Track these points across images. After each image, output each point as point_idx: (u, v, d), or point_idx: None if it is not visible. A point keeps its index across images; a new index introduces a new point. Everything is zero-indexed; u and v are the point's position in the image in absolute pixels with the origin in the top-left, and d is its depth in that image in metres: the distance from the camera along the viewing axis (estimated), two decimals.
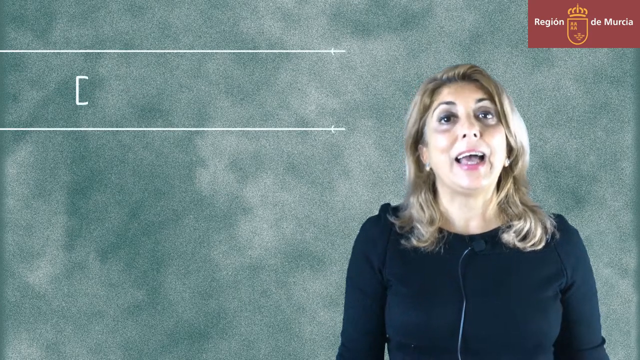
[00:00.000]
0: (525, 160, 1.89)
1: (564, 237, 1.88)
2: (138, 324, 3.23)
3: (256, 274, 3.23)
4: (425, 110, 1.87)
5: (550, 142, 3.21)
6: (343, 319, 1.98)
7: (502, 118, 1.85)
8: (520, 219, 1.86)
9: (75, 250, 3.24)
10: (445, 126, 1.84)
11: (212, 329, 3.23)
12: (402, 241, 1.87)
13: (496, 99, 1.85)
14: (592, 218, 3.20)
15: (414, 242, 1.86)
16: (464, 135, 1.81)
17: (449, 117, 1.84)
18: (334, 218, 3.22)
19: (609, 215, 3.21)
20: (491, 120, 1.84)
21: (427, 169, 1.88)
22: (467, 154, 1.81)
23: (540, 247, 1.85)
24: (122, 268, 3.23)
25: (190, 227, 3.23)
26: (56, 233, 3.23)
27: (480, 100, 1.84)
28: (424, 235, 1.86)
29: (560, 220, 1.90)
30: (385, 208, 1.93)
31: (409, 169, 1.91)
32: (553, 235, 1.87)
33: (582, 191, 3.21)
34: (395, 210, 1.92)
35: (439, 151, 1.83)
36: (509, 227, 1.86)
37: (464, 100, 1.84)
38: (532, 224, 1.86)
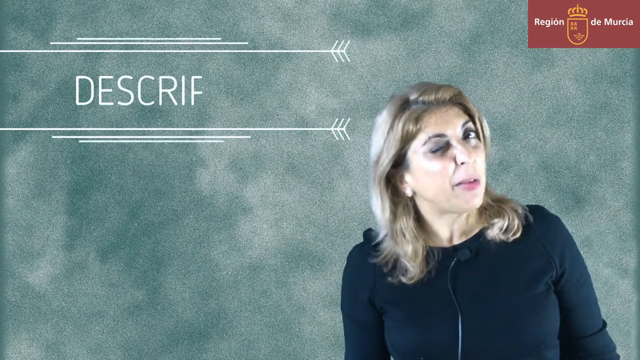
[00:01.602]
0: (487, 160, 1.89)
1: (545, 227, 1.86)
2: (138, 324, 3.23)
3: (256, 274, 3.24)
4: (410, 138, 1.81)
5: (550, 142, 3.21)
6: (345, 347, 1.97)
7: (482, 139, 1.83)
8: (498, 216, 1.85)
9: (75, 250, 3.24)
10: (438, 154, 1.80)
11: (212, 329, 3.23)
12: (389, 278, 1.84)
13: (476, 119, 1.83)
14: (592, 218, 3.20)
15: (403, 279, 1.84)
16: (462, 162, 1.79)
17: (440, 145, 1.80)
18: (334, 218, 3.22)
19: (609, 215, 3.20)
20: (474, 140, 1.82)
21: (410, 194, 1.85)
22: (468, 180, 1.80)
23: (519, 234, 1.84)
24: (122, 268, 3.23)
25: (190, 227, 3.23)
26: (56, 233, 3.23)
27: (464, 124, 1.81)
28: (411, 272, 1.83)
29: (539, 210, 1.88)
30: (368, 236, 1.91)
31: (382, 201, 1.86)
32: (526, 217, 1.85)
33: (582, 191, 3.21)
34: (375, 246, 1.88)
35: (437, 180, 1.80)
36: (492, 224, 1.85)
37: (453, 128, 1.80)
38: (510, 217, 1.84)
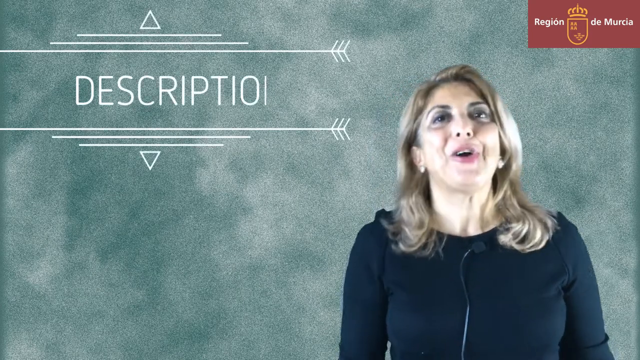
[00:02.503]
0: (519, 162, 1.89)
1: (564, 234, 1.87)
2: (138, 324, 3.23)
3: (256, 274, 3.24)
4: (419, 112, 1.88)
5: (550, 142, 3.21)
6: (342, 329, 1.97)
7: (495, 118, 1.85)
8: (518, 221, 1.85)
9: (75, 250, 3.24)
10: (438, 124, 1.84)
11: (212, 329, 3.23)
12: (393, 246, 1.86)
13: (489, 100, 1.85)
14: (592, 218, 3.20)
15: (402, 247, 1.85)
16: (458, 134, 1.81)
17: (443, 117, 1.84)
18: (334, 218, 3.22)
19: (609, 215, 3.21)
20: (484, 119, 1.84)
21: (422, 170, 1.88)
22: (461, 152, 1.81)
23: (540, 247, 1.85)
24: (122, 268, 3.23)
25: (190, 227, 3.23)
26: (56, 233, 3.23)
27: (473, 104, 1.84)
28: (411, 240, 1.85)
29: (558, 216, 1.89)
30: (380, 214, 1.93)
31: (400, 171, 1.91)
32: (555, 232, 1.86)
33: (582, 191, 3.21)
34: (390, 215, 1.92)
35: (434, 149, 1.83)
36: (507, 229, 1.85)
37: (458, 103, 1.84)
38: (531, 225, 1.85)
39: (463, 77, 1.88)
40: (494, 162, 1.84)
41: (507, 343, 1.79)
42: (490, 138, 1.83)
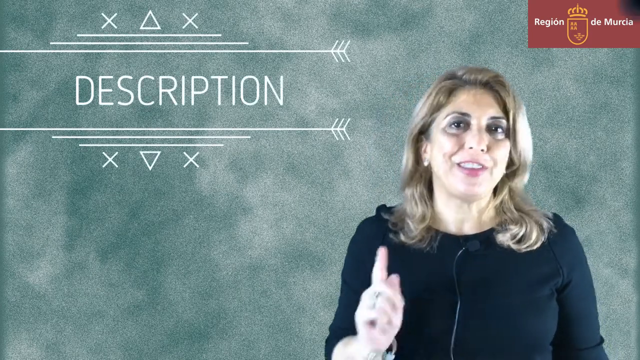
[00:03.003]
0: (525, 175, 1.89)
1: (560, 236, 1.88)
2: (138, 324, 3.23)
3: (256, 274, 3.24)
4: (437, 108, 1.86)
5: (550, 142, 3.21)
6: (336, 312, 1.99)
7: (511, 136, 1.85)
8: (516, 223, 1.86)
9: (75, 250, 3.24)
10: (454, 130, 1.83)
11: (212, 329, 3.23)
12: (391, 235, 1.87)
13: (510, 117, 1.85)
14: (592, 218, 3.20)
15: (402, 238, 1.87)
16: (471, 147, 1.81)
17: (460, 124, 1.83)
18: (334, 218, 3.22)
19: (609, 215, 3.20)
20: (500, 135, 1.84)
21: (426, 164, 1.88)
22: (470, 164, 1.81)
23: (535, 247, 1.85)
24: (122, 268, 3.23)
25: (190, 227, 3.23)
26: (56, 233, 3.23)
27: (494, 117, 1.84)
28: (412, 232, 1.86)
29: (556, 219, 1.90)
30: (381, 209, 1.94)
31: (407, 160, 1.90)
32: (550, 234, 1.86)
33: (582, 191, 3.21)
34: (391, 210, 1.93)
35: (441, 154, 1.83)
36: (505, 229, 1.86)
37: (479, 114, 1.83)
38: (528, 228, 1.86)
39: (492, 86, 1.86)
40: (500, 174, 1.85)
41: (497, 341, 1.79)
42: (500, 154, 1.83)
